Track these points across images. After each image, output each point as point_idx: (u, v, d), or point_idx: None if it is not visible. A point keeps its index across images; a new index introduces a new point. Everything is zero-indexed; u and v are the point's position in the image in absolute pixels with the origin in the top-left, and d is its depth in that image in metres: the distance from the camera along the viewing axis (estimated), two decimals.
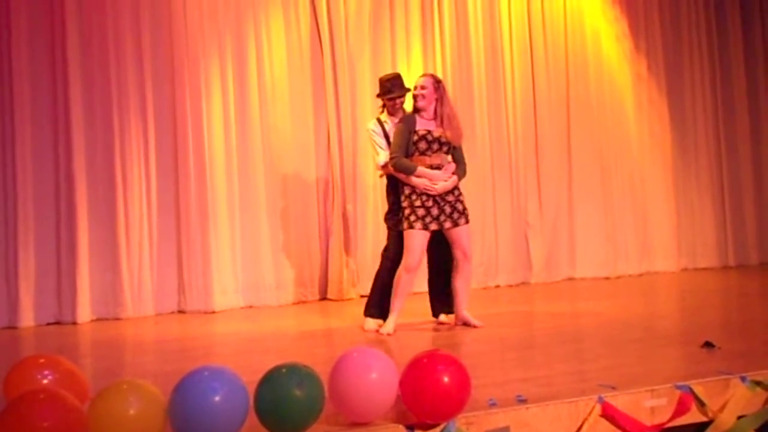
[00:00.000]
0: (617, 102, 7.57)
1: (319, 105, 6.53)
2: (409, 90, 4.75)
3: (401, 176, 4.48)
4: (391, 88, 4.72)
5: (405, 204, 4.47)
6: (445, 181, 4.43)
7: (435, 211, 4.42)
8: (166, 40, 6.06)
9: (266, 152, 6.32)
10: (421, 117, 4.50)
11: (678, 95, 7.82)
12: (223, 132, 6.16)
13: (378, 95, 4.84)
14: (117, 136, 5.84)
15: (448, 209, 4.46)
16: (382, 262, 4.76)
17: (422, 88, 4.50)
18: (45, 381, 2.68)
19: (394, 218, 4.62)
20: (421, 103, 4.49)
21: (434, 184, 4.40)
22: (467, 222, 4.52)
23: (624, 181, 7.51)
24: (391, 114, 4.77)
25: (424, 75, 4.69)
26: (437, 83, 4.53)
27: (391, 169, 4.55)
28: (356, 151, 6.47)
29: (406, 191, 4.48)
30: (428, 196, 4.42)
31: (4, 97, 5.61)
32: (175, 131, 6.08)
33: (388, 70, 5.79)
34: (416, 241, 4.41)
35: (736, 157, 7.98)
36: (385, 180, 4.81)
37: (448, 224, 4.46)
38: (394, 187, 4.64)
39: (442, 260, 4.70)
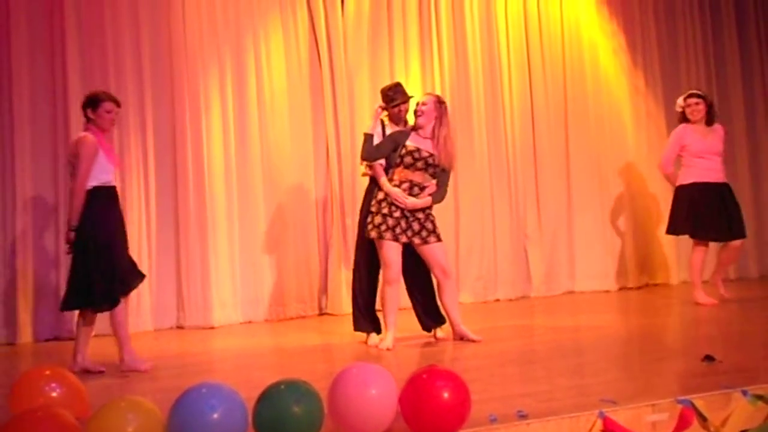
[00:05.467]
0: (615, 115, 7.59)
1: (317, 119, 6.55)
2: (411, 96, 4.79)
3: (379, 179, 4.50)
4: (393, 96, 4.76)
5: (374, 209, 4.47)
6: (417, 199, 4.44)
7: (403, 224, 4.43)
8: (165, 54, 6.09)
9: (265, 166, 6.33)
10: (417, 134, 4.53)
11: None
12: (223, 146, 6.17)
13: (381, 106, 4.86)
14: (116, 150, 5.83)
15: (416, 226, 4.46)
16: (353, 274, 4.81)
17: (423, 104, 4.54)
18: (53, 394, 2.70)
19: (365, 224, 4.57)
20: (420, 120, 4.52)
21: (405, 198, 4.42)
22: (438, 240, 4.50)
23: (623, 193, 7.51)
24: (394, 123, 4.80)
25: (428, 94, 4.77)
26: (439, 104, 4.56)
27: (375, 170, 4.56)
28: (355, 164, 6.45)
29: (379, 196, 4.50)
30: (397, 207, 4.42)
31: (3, 111, 5.62)
32: (175, 146, 6.09)
33: (386, 84, 5.82)
34: (391, 253, 4.41)
35: (734, 170, 7.95)
36: (366, 182, 4.82)
37: (417, 240, 4.45)
38: (373, 191, 4.64)
39: (418, 276, 4.69)
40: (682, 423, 2.75)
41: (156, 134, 6.01)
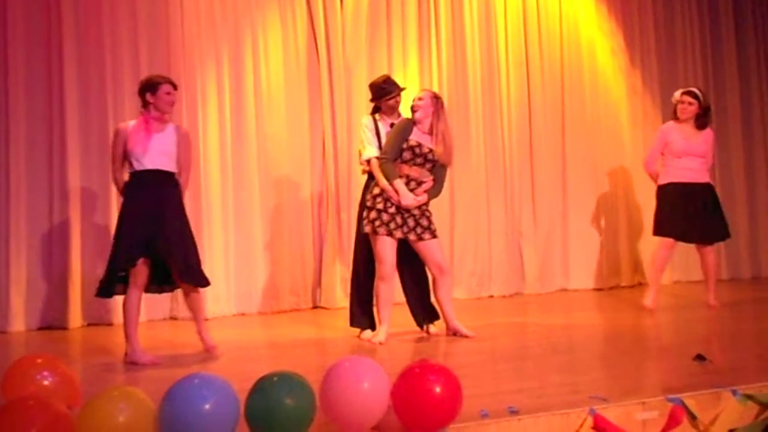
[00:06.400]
0: (612, 114, 7.60)
1: (314, 114, 6.54)
2: (404, 88, 4.79)
3: (377, 175, 4.49)
4: (390, 88, 4.75)
5: (369, 204, 4.48)
6: (415, 197, 4.43)
7: (399, 220, 4.43)
8: (163, 48, 6.06)
9: (261, 160, 6.32)
10: (417, 129, 4.53)
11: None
12: (219, 140, 6.16)
13: (372, 99, 4.84)
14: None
15: (411, 222, 4.46)
16: (352, 270, 4.79)
17: (420, 99, 4.56)
18: (45, 382, 2.69)
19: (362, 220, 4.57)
20: (418, 115, 4.52)
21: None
22: (433, 237, 4.51)
23: (618, 192, 7.53)
24: (387, 115, 4.78)
25: (424, 90, 4.80)
26: (435, 99, 4.57)
27: (372, 166, 4.55)
28: (351, 159, 6.47)
29: (375, 191, 4.50)
30: (392, 203, 4.43)
31: None
32: None
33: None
34: (385, 249, 4.42)
35: (729, 171, 8.01)
36: (365, 178, 4.81)
37: (412, 237, 4.46)
38: (369, 187, 4.63)
39: (413, 270, 4.69)
40: (672, 421, 2.76)
41: None
